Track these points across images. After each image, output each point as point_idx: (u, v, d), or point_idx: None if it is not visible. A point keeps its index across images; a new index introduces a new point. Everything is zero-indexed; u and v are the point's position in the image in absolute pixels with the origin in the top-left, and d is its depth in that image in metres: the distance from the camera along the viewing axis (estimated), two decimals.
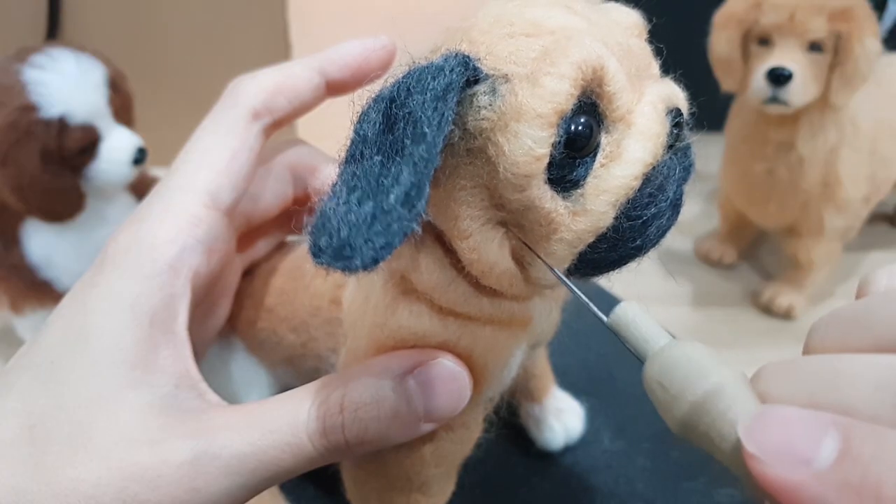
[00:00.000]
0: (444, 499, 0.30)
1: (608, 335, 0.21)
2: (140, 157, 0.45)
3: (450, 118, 0.19)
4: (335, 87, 0.30)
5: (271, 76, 0.29)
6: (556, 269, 0.22)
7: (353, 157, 0.19)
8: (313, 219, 0.18)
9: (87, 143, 0.43)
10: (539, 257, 0.22)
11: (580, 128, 0.20)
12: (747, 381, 0.17)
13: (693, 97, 0.24)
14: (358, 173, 0.19)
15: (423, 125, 0.18)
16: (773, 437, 0.15)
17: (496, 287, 0.23)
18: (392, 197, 0.18)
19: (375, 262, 0.17)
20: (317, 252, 0.18)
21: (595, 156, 0.20)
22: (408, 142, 0.18)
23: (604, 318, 0.20)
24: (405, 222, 0.18)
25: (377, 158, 0.19)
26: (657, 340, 0.19)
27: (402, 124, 0.19)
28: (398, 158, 0.18)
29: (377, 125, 0.19)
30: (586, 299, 0.21)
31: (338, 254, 0.17)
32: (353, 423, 0.22)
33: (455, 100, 0.19)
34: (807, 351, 0.18)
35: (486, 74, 0.20)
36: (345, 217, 0.18)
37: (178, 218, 0.26)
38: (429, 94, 0.19)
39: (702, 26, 0.54)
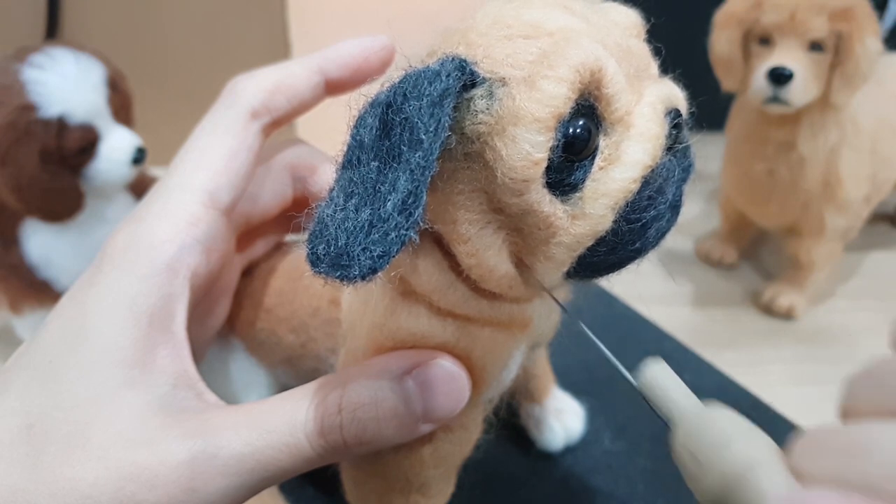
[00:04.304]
0: (444, 500, 0.30)
1: (609, 337, 0.21)
2: (139, 157, 0.45)
3: (447, 124, 0.18)
4: (334, 87, 0.30)
5: (270, 75, 0.29)
6: (583, 325, 0.22)
7: (350, 162, 0.19)
8: (310, 225, 0.18)
9: (87, 142, 0.43)
10: (577, 322, 0.22)
11: (578, 131, 0.20)
12: (779, 452, 0.17)
13: (693, 97, 0.24)
14: (355, 179, 0.19)
15: (419, 131, 0.18)
16: None
17: (496, 290, 0.23)
18: (389, 204, 0.18)
19: (373, 271, 0.17)
20: (314, 260, 0.18)
21: (594, 159, 0.20)
22: (405, 148, 0.18)
23: (633, 381, 0.20)
24: (402, 231, 0.17)
25: (374, 164, 0.19)
26: (686, 405, 0.19)
27: (398, 130, 0.19)
28: (395, 165, 0.18)
29: (374, 130, 0.19)
30: (616, 361, 0.21)
31: (335, 262, 0.17)
32: (351, 424, 0.22)
33: (452, 105, 0.19)
34: (842, 411, 0.17)
35: (483, 78, 0.20)
36: (342, 224, 0.18)
37: (177, 217, 0.26)
38: (425, 100, 0.18)
39: (702, 26, 0.54)
